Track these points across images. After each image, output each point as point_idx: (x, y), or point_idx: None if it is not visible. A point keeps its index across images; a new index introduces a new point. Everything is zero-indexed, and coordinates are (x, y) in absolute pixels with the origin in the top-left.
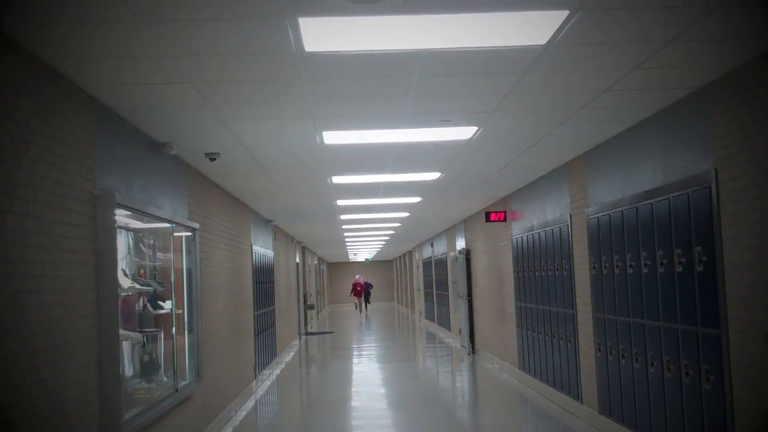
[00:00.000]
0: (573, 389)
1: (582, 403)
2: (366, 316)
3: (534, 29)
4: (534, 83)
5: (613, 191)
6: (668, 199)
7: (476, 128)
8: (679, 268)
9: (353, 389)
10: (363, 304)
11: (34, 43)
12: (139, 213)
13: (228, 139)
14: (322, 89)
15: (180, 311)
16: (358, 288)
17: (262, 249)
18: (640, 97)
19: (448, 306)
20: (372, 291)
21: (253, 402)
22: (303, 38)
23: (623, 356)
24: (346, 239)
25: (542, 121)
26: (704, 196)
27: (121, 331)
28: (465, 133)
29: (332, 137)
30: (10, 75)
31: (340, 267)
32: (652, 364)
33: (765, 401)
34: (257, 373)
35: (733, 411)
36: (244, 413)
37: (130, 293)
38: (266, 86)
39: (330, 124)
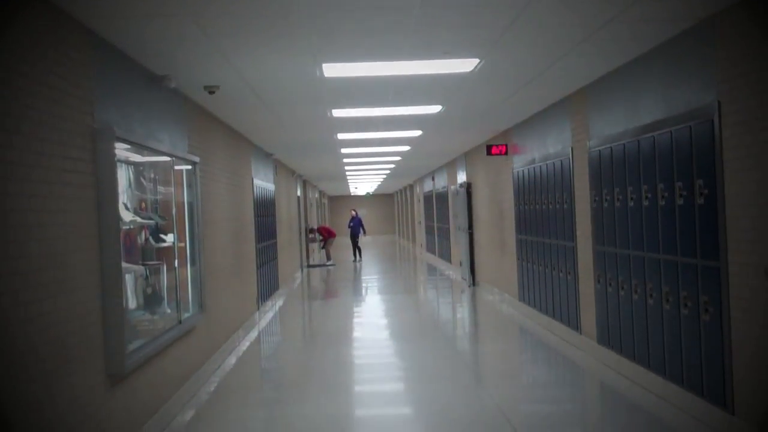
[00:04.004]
0: (572, 320)
1: (581, 334)
2: (358, 265)
3: None
4: (536, 15)
5: (614, 124)
6: (670, 132)
7: (478, 61)
8: (680, 201)
9: (355, 320)
10: (329, 250)
11: None
12: (138, 147)
13: (227, 71)
14: (322, 20)
15: (182, 244)
16: (324, 232)
17: (263, 183)
18: (644, 28)
19: (448, 239)
20: (362, 232)
21: (257, 333)
22: None
23: (622, 288)
24: (347, 173)
25: (544, 53)
26: (706, 128)
27: (124, 264)
28: (466, 65)
29: (332, 70)
30: (6, 7)
31: (341, 200)
32: (651, 296)
33: (763, 333)
34: (260, 304)
35: (731, 342)
36: (247, 344)
37: (131, 227)
38: (265, 18)
39: (330, 56)
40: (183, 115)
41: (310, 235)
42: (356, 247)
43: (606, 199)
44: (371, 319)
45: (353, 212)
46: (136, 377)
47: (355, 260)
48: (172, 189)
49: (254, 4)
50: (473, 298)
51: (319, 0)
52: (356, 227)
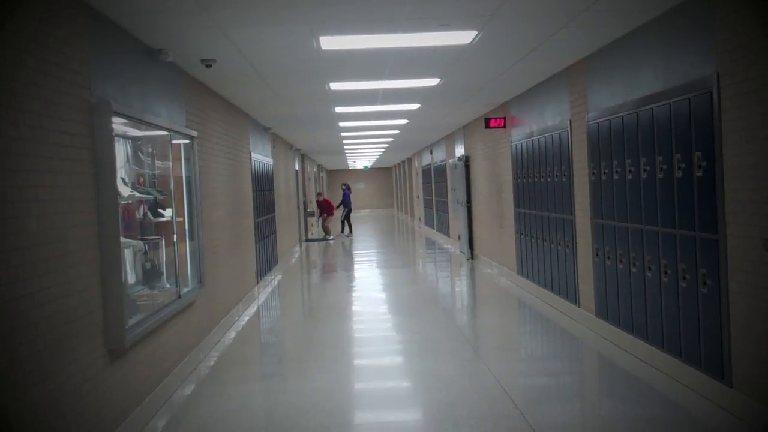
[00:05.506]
0: (570, 293)
1: (579, 307)
2: (349, 239)
3: None
4: None
5: (613, 96)
6: (669, 104)
7: (476, 33)
8: (679, 174)
9: (354, 294)
10: (326, 225)
11: None
12: (136, 121)
13: (224, 44)
14: None
15: (180, 219)
16: (325, 206)
17: (261, 157)
18: None
19: (447, 213)
20: (350, 204)
21: (256, 307)
22: None
23: (621, 261)
24: (345, 147)
25: (543, 24)
26: (705, 100)
27: (123, 239)
28: (464, 37)
29: (329, 42)
30: None
31: (339, 174)
32: (650, 269)
33: (761, 305)
34: (259, 279)
35: (728, 314)
36: (246, 318)
37: (130, 201)
38: None
39: (327, 29)
40: (180, 89)
41: (318, 198)
42: (347, 222)
43: (604, 172)
44: (370, 293)
45: (343, 187)
46: (136, 352)
47: (345, 234)
48: (170, 163)
49: None
50: (472, 271)
51: None
52: (345, 196)
